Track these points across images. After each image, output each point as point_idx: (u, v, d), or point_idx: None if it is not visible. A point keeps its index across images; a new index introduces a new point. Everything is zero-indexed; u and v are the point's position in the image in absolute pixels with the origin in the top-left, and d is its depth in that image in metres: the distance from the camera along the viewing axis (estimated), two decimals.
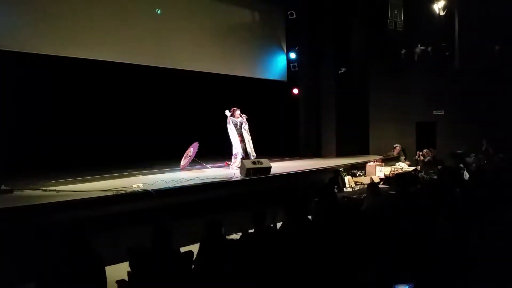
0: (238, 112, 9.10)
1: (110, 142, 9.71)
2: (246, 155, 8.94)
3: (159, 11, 9.25)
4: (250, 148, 9.11)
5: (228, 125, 9.07)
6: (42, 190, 6.10)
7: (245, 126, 9.14)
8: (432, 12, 11.78)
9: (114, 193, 5.91)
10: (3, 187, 5.94)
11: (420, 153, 10.89)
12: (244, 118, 9.15)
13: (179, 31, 9.65)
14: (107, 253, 4.27)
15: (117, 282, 3.34)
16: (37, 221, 4.88)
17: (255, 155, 9.01)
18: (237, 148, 8.96)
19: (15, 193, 5.94)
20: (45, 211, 5.06)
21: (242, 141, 9.03)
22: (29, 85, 8.65)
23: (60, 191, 6.03)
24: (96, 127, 9.71)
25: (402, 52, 12.31)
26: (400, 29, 11.66)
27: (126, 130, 10.08)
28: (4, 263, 4.53)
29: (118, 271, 3.81)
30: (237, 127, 9.05)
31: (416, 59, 12.22)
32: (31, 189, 6.19)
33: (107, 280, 3.35)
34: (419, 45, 12.12)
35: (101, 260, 3.16)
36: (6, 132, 6.78)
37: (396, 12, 11.62)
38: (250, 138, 9.18)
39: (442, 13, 11.65)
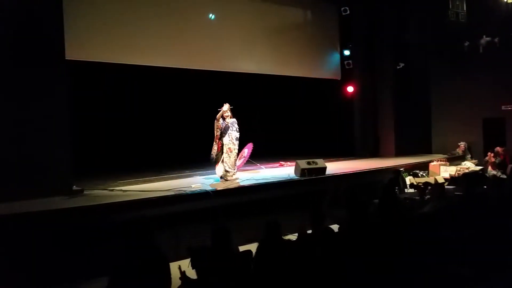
0: (227, 113, 7.34)
1: (169, 144, 10.13)
2: (216, 163, 7.36)
3: (212, 17, 9.49)
4: (230, 160, 7.28)
5: (215, 123, 7.34)
6: (110, 190, 6.46)
7: (231, 132, 7.29)
8: (498, 0, 10.99)
9: (175, 193, 6.15)
10: (74, 187, 6.31)
11: (491, 154, 10.05)
12: (233, 123, 7.36)
13: (231, 34, 9.80)
14: (169, 250, 4.46)
15: (181, 278, 3.46)
16: (107, 219, 5.20)
17: (235, 171, 7.45)
18: (213, 153, 7.33)
19: (86, 193, 6.30)
20: (114, 209, 5.38)
21: (221, 148, 7.34)
22: (91, 91, 9.19)
23: (126, 191, 6.37)
24: (155, 131, 10.17)
25: (466, 44, 11.62)
26: (462, 20, 10.98)
27: (184, 132, 10.44)
28: (78, 258, 4.88)
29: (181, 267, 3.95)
30: (222, 130, 7.30)
31: (481, 51, 11.47)
32: (99, 189, 6.56)
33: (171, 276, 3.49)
34: (484, 36, 11.37)
35: (166, 257, 3.30)
36: (74, 136, 7.26)
37: (457, 3, 10.97)
38: (236, 148, 7.36)
39: (510, 0, 10.83)
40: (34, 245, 4.68)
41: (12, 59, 5.81)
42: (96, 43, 7.84)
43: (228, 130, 7.29)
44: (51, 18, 6.17)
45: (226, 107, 7.31)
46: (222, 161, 7.29)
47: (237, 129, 7.38)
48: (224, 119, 7.32)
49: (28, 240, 4.68)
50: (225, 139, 7.28)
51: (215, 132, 7.33)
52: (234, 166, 7.39)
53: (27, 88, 5.92)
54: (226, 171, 7.26)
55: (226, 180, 7.21)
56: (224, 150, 7.27)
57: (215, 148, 7.32)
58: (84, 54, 7.62)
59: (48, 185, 5.86)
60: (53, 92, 6.15)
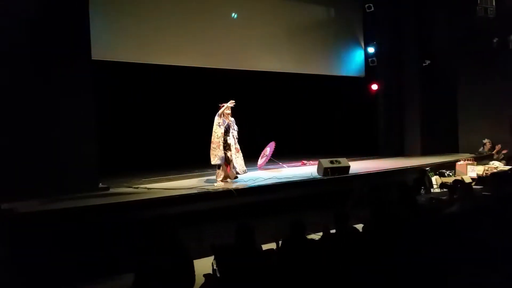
0: (228, 111, 7.02)
1: (191, 143, 10.22)
2: (226, 163, 7.02)
3: (235, 16, 9.52)
4: (237, 161, 7.08)
5: (215, 120, 6.96)
6: (135, 187, 6.60)
7: (234, 132, 7.11)
8: None
9: (198, 191, 6.21)
10: (100, 185, 6.46)
11: None
12: (233, 122, 7.14)
13: (254, 33, 9.79)
14: (193, 248, 4.51)
15: (205, 275, 3.50)
16: (131, 216, 5.30)
17: (246, 169, 7.27)
18: (217, 153, 6.86)
19: (111, 190, 6.43)
20: (139, 206, 5.48)
21: (227, 148, 7.02)
22: (111, 91, 9.22)
23: (150, 188, 6.49)
24: (178, 130, 10.28)
25: (495, 40, 11.24)
26: (491, 16, 10.64)
27: (206, 131, 10.51)
28: (104, 255, 4.99)
29: (203, 265, 3.99)
30: (225, 128, 6.99)
31: (510, 47, 11.07)
32: (125, 187, 6.69)
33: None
34: None
35: (190, 255, 3.34)
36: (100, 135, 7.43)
37: None
38: (239, 147, 7.18)
39: None
40: (61, 241, 4.81)
41: (39, 59, 5.97)
42: (121, 43, 7.99)
43: (230, 130, 7.02)
44: (77, 19, 6.33)
45: (231, 103, 6.92)
46: (231, 161, 7.02)
47: (236, 129, 7.17)
48: (225, 116, 6.98)
49: (54, 236, 4.81)
50: (230, 140, 7.00)
51: (215, 128, 6.88)
52: (244, 167, 7.20)
53: (55, 88, 6.08)
54: (237, 172, 7.07)
55: (227, 181, 6.96)
56: (232, 151, 6.99)
57: (220, 147, 6.85)
58: (109, 54, 7.78)
59: (75, 183, 6.01)
60: (79, 92, 6.30)
